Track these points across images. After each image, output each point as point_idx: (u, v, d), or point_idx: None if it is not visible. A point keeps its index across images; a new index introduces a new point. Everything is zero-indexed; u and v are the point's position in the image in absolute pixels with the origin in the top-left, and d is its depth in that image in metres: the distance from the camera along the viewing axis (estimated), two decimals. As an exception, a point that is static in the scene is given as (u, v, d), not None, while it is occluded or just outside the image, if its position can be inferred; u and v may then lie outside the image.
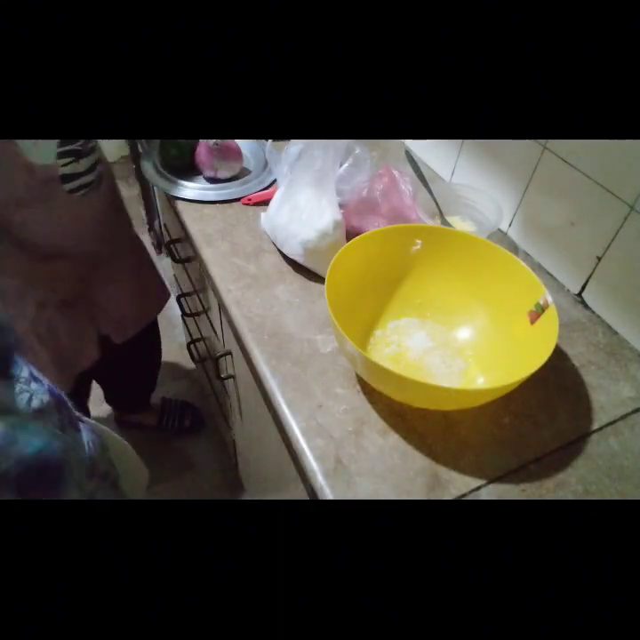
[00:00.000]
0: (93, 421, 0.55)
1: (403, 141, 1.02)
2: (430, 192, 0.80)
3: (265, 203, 0.84)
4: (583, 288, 0.72)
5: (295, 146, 0.73)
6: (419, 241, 0.66)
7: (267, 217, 0.77)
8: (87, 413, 1.13)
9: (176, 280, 1.36)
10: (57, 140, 0.74)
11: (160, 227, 1.73)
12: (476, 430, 0.56)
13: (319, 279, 0.72)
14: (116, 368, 1.16)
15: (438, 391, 0.52)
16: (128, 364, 1.19)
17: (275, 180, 0.87)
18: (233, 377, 0.93)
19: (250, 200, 0.84)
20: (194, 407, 1.50)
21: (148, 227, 1.94)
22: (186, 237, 0.85)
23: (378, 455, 0.54)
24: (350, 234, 0.69)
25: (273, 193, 0.84)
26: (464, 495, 0.51)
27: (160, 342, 1.30)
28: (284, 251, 0.74)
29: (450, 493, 0.51)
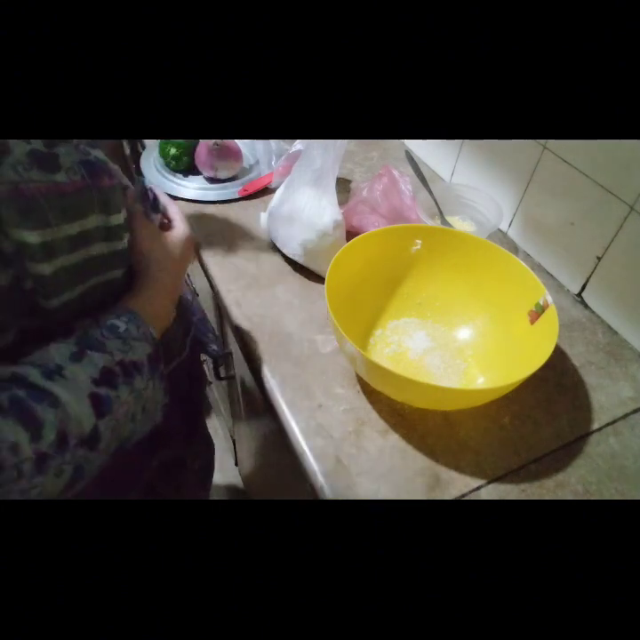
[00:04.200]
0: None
1: (403, 141, 1.02)
2: (430, 192, 0.80)
3: (262, 193, 0.84)
4: (583, 288, 0.72)
5: (295, 146, 0.73)
6: (419, 241, 0.66)
7: (267, 217, 0.77)
8: None
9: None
10: None
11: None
12: (476, 430, 0.56)
13: (319, 279, 0.72)
14: None
15: (438, 391, 0.52)
16: None
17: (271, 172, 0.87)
18: (233, 377, 0.93)
19: (246, 190, 0.84)
20: None
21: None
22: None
23: (378, 455, 0.54)
24: (350, 234, 0.69)
25: (269, 180, 0.84)
26: (464, 495, 0.51)
27: None
28: (284, 251, 0.74)
29: (450, 493, 0.51)
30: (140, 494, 0.67)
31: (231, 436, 1.23)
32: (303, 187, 0.70)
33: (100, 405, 0.37)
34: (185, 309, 0.65)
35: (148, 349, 0.42)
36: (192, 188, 0.86)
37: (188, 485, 0.79)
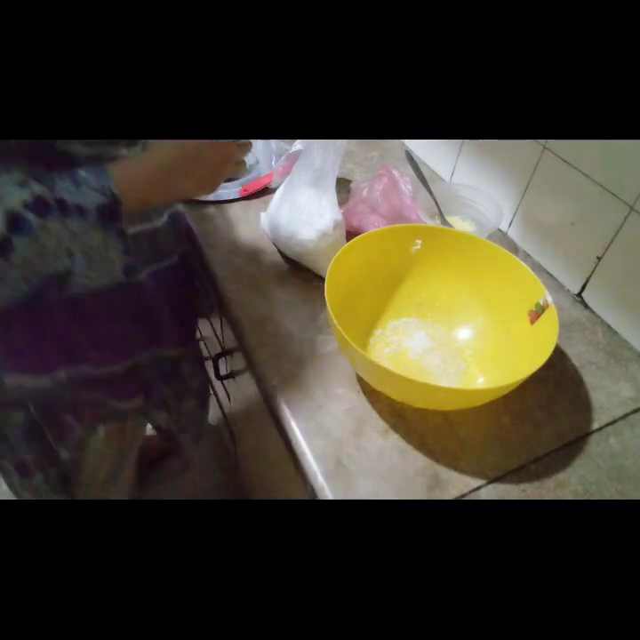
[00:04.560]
0: None
1: (403, 141, 1.02)
2: (430, 192, 0.80)
3: (262, 193, 0.84)
4: (583, 288, 0.72)
5: (295, 146, 0.73)
6: (419, 241, 0.66)
7: (267, 217, 0.77)
8: None
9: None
10: None
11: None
12: (476, 430, 0.56)
13: (319, 279, 0.72)
14: None
15: (438, 391, 0.52)
16: None
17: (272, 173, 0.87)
18: (233, 377, 0.93)
19: (246, 190, 0.84)
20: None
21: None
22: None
23: (378, 455, 0.54)
24: (350, 234, 0.69)
25: (269, 180, 0.84)
26: (464, 495, 0.51)
27: None
28: (284, 251, 0.74)
29: (450, 493, 0.51)
30: (145, 394, 0.75)
31: (230, 436, 1.23)
32: (303, 187, 0.70)
33: (18, 223, 0.42)
34: (179, 223, 0.71)
35: (99, 199, 0.45)
36: (192, 188, 0.86)
37: (188, 397, 0.87)
